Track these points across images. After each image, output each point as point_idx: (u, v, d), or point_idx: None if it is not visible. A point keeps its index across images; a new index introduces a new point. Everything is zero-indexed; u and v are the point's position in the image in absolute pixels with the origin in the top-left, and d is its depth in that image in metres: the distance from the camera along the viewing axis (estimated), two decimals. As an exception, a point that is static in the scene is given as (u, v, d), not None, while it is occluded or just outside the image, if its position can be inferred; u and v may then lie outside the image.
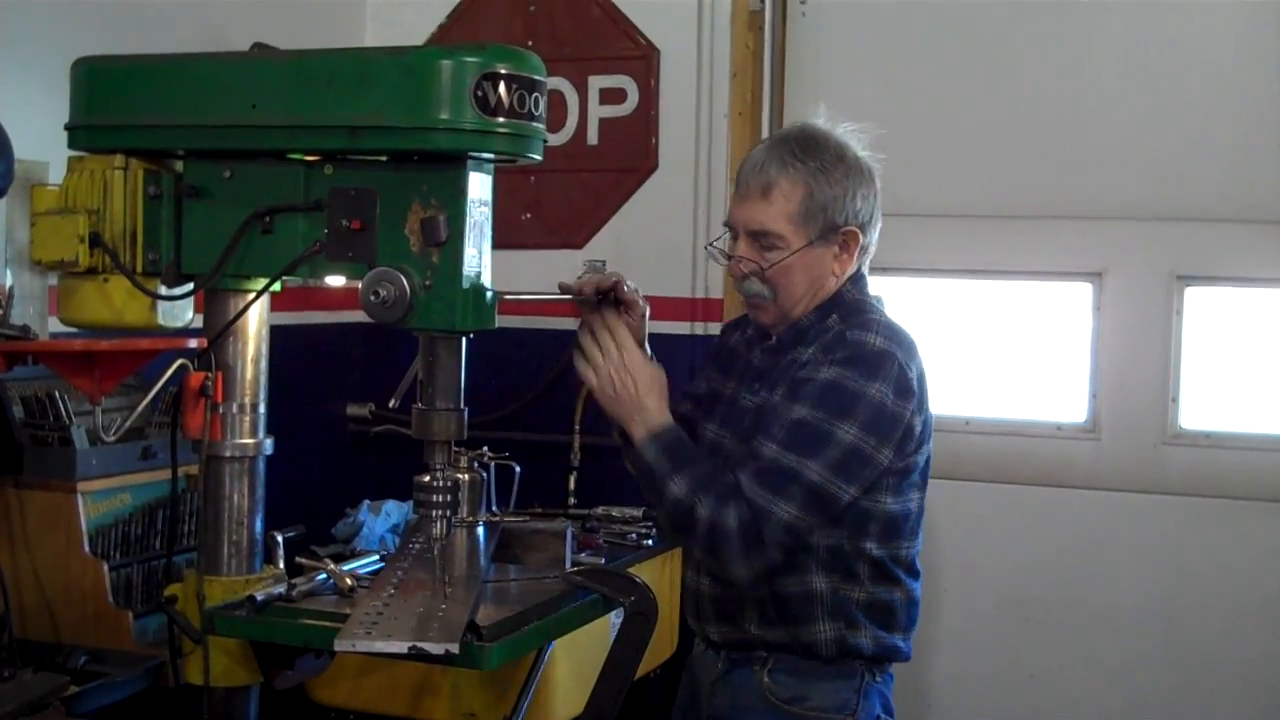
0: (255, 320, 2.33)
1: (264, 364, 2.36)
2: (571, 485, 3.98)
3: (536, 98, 2.17)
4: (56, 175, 2.37)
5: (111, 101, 2.29)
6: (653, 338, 2.56)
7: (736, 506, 2.28)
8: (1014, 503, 3.99)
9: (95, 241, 2.24)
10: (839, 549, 2.38)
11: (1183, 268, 3.87)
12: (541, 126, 2.20)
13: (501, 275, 2.28)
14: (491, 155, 2.18)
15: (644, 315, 2.51)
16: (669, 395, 2.43)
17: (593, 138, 4.20)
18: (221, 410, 2.30)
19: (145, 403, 2.40)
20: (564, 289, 2.50)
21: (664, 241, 4.10)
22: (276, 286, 2.31)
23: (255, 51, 2.32)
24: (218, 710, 2.29)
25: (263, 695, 2.38)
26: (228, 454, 2.32)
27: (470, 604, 2.08)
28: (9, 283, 3.06)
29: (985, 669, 4.01)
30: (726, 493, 2.30)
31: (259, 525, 2.37)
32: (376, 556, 2.49)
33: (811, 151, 2.40)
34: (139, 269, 2.26)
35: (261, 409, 2.36)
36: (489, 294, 2.22)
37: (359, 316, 2.21)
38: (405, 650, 1.95)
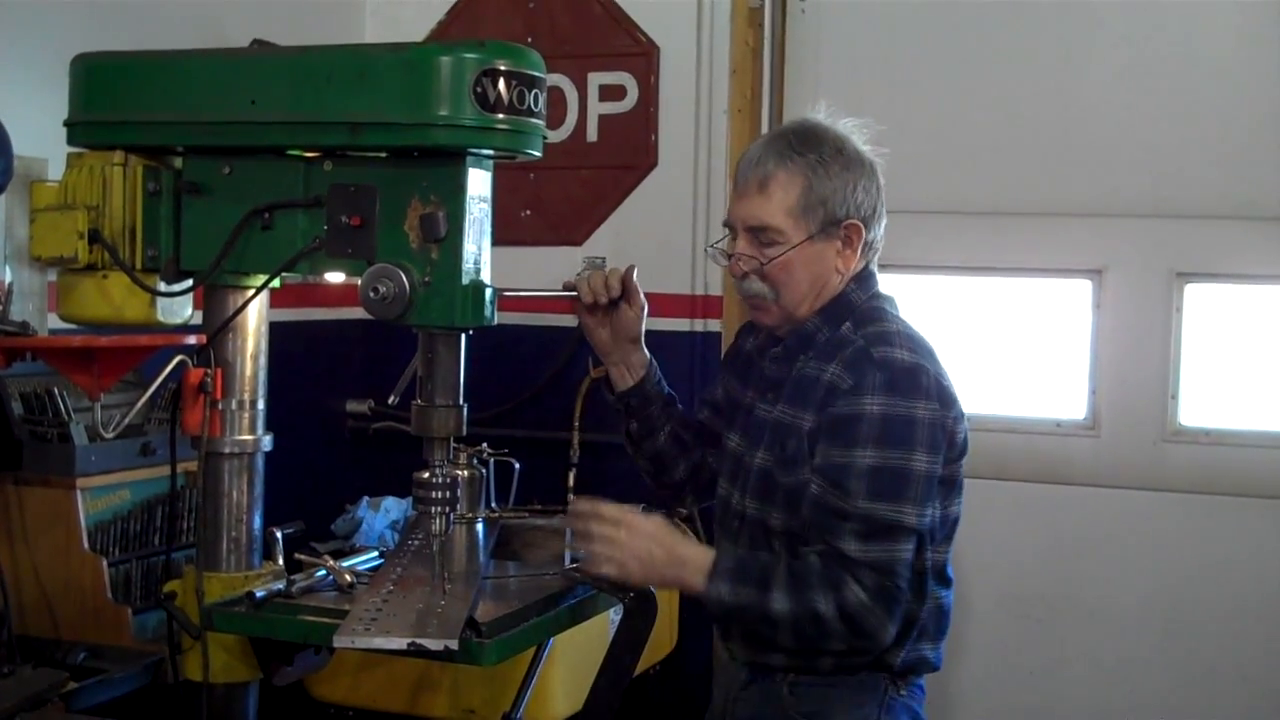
0: (254, 316, 2.34)
1: (263, 360, 2.36)
2: (571, 482, 3.98)
3: (536, 94, 2.17)
4: (56, 171, 2.37)
5: (111, 98, 2.29)
6: (652, 334, 2.57)
7: (857, 577, 2.18)
8: (1013, 500, 3.99)
9: (94, 238, 2.24)
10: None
11: (1183, 265, 3.87)
12: (541, 123, 2.20)
13: (501, 272, 2.28)
14: (491, 152, 2.19)
15: (643, 310, 2.52)
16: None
17: (592, 134, 4.20)
18: (221, 406, 2.31)
19: (144, 399, 2.39)
20: (568, 287, 2.51)
21: (663, 238, 4.10)
22: (276, 283, 2.32)
23: (255, 48, 2.32)
24: (217, 706, 2.30)
25: (262, 691, 2.39)
26: (227, 450, 2.32)
27: (469, 600, 2.08)
28: (8, 279, 3.06)
29: (984, 666, 4.01)
30: (831, 573, 2.19)
31: (258, 521, 2.37)
32: (376, 553, 2.50)
33: (810, 144, 2.34)
34: (138, 265, 2.27)
35: (261, 405, 2.37)
36: (488, 290, 2.22)
37: (358, 313, 2.21)
38: (404, 646, 1.95)
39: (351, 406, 4.35)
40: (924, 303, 4.01)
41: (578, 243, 4.21)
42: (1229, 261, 3.85)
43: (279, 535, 2.37)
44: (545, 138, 2.23)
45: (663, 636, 3.82)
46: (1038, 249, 4.00)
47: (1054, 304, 4.04)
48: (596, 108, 4.19)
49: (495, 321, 2.25)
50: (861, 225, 2.37)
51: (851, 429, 2.23)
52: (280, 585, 2.23)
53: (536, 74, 2.17)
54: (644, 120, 4.15)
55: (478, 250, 2.20)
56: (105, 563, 2.80)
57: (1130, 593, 3.93)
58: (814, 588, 2.18)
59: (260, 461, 2.37)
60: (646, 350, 2.57)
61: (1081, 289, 3.98)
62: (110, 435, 2.42)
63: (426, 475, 2.29)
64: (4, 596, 2.63)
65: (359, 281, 2.17)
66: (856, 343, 2.31)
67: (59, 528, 2.81)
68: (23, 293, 3.07)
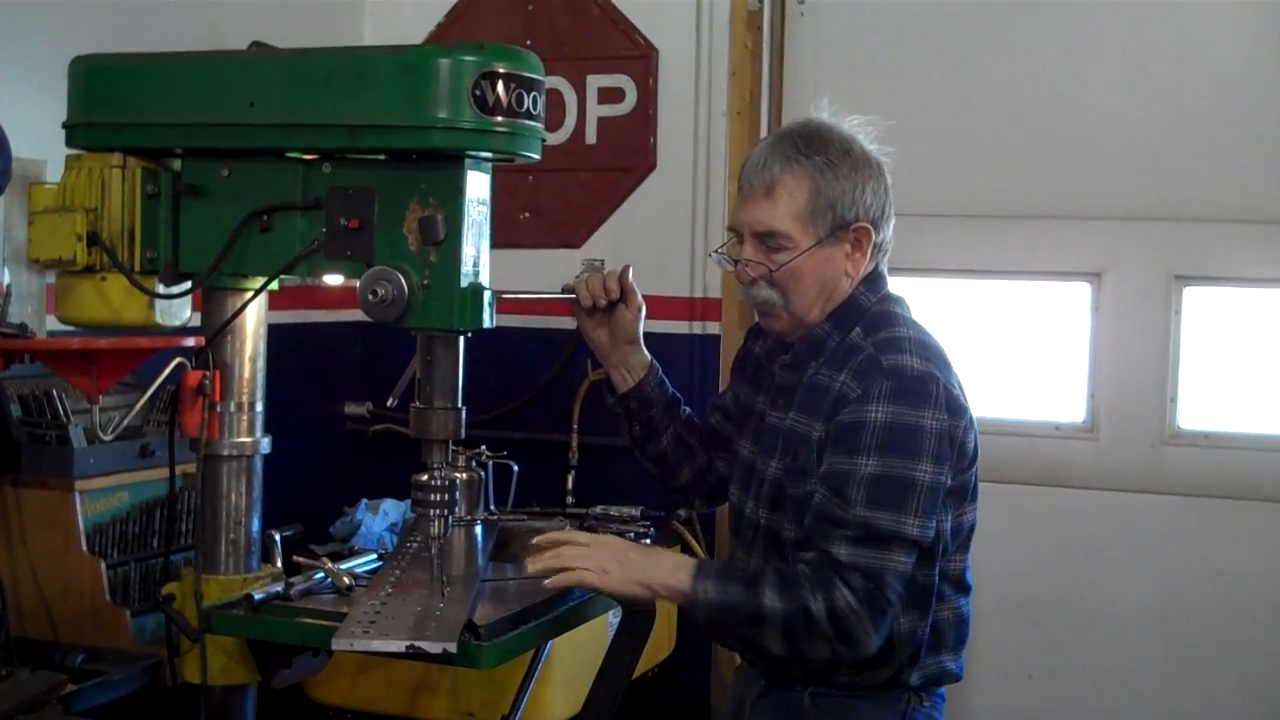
0: (253, 319, 2.33)
1: (262, 363, 2.36)
2: (569, 484, 3.98)
3: (535, 97, 2.16)
4: (54, 173, 2.37)
5: (109, 100, 2.29)
6: (651, 337, 2.57)
7: (845, 581, 2.14)
8: (1012, 503, 3.98)
9: (93, 240, 2.24)
10: None
11: (1181, 268, 3.87)
12: (540, 125, 2.20)
13: (500, 274, 2.28)
14: (490, 154, 2.18)
15: (640, 311, 2.51)
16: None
17: (591, 137, 4.20)
18: (219, 409, 2.30)
19: (143, 401, 2.39)
20: (567, 290, 2.50)
21: (662, 241, 4.10)
22: (274, 285, 2.31)
23: (253, 50, 2.32)
24: (215, 709, 2.29)
25: (260, 694, 2.38)
26: (225, 452, 2.32)
27: (468, 603, 2.08)
28: (7, 281, 3.06)
29: (983, 669, 4.01)
30: (821, 576, 2.15)
31: (256, 524, 2.37)
32: (374, 555, 2.50)
33: (816, 146, 2.29)
34: (137, 267, 2.26)
35: (259, 408, 2.36)
36: (487, 293, 2.21)
37: (357, 315, 2.20)
38: (403, 649, 1.95)
39: (350, 409, 4.35)
40: (923, 306, 3.99)
41: (576, 245, 4.21)
42: (1228, 265, 3.85)
43: (277, 538, 2.37)
44: (544, 140, 2.23)
45: (661, 640, 3.81)
46: (1036, 252, 4.00)
47: (1053, 307, 4.04)
48: (595, 110, 4.19)
49: (494, 324, 2.24)
50: (871, 227, 2.32)
51: (855, 436, 2.19)
52: (279, 588, 2.23)
53: (535, 76, 2.17)
54: (643, 123, 4.15)
55: (476, 253, 2.20)
56: (104, 565, 2.80)
57: (1129, 596, 3.93)
58: (804, 588, 2.14)
59: (259, 464, 2.37)
60: (647, 352, 2.55)
61: (1080, 292, 3.98)
62: (109, 437, 2.42)
63: (425, 478, 2.28)
64: (2, 599, 2.63)
65: (357, 284, 2.16)
66: (867, 350, 2.27)
67: (57, 530, 2.81)
68: (21, 295, 3.07)
